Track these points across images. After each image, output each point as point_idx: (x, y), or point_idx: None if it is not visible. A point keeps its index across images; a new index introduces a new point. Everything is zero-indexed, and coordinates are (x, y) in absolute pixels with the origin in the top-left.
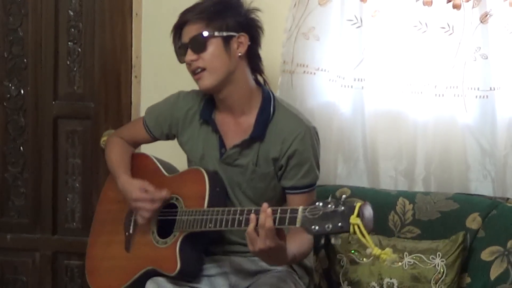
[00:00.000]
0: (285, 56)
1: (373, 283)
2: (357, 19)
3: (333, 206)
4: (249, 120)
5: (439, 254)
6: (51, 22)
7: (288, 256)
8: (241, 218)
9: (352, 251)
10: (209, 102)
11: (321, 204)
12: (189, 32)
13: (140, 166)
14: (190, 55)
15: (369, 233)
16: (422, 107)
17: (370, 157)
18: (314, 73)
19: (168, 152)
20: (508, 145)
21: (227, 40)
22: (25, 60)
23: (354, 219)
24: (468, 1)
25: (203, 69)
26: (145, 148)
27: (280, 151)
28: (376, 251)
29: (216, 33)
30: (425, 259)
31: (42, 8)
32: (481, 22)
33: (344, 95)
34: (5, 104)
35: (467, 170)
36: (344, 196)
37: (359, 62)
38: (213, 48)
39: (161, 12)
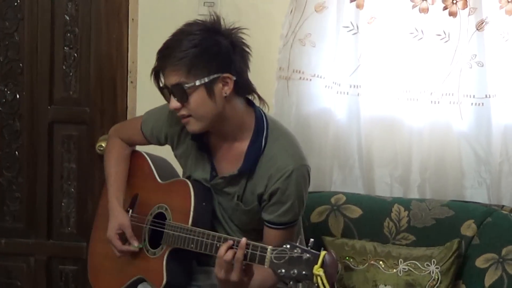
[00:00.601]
0: (281, 62)
1: None
2: (353, 25)
3: (299, 252)
4: (241, 147)
5: (434, 261)
6: (47, 27)
7: None
8: (218, 245)
9: (347, 258)
10: None
11: (288, 247)
12: (169, 78)
13: (137, 167)
14: (174, 103)
15: (332, 284)
16: (418, 114)
17: (366, 163)
18: (310, 80)
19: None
20: (503, 152)
21: (210, 85)
22: (20, 65)
23: (317, 270)
24: (464, 9)
25: (189, 115)
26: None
27: (265, 186)
28: None
29: (197, 83)
30: (419, 266)
31: (38, 12)
32: (477, 29)
33: (340, 101)
34: (0, 108)
35: (462, 177)
36: (312, 240)
37: (355, 69)
38: (196, 97)
39: (157, 18)
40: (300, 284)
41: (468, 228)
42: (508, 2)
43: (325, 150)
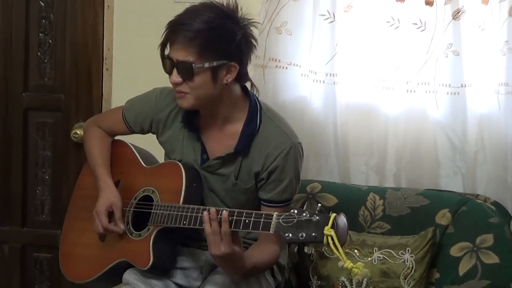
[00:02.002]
0: (257, 51)
1: (343, 278)
2: (330, 14)
3: (308, 215)
4: (234, 128)
5: (408, 250)
6: (21, 13)
7: (247, 266)
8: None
9: (322, 246)
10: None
11: (296, 212)
12: (177, 53)
13: (119, 155)
14: (175, 77)
15: (342, 245)
16: (394, 103)
17: (341, 152)
18: (286, 68)
19: (147, 141)
20: (478, 142)
21: (216, 70)
22: None
23: (328, 230)
24: None
25: (187, 92)
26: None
27: (262, 165)
28: (348, 264)
29: (206, 65)
30: (394, 254)
31: None
32: (453, 18)
33: (316, 90)
34: None
35: (437, 166)
36: (319, 205)
37: (331, 57)
38: (200, 79)
39: (133, 5)
40: (306, 248)
41: (443, 217)
42: None
43: (301, 139)
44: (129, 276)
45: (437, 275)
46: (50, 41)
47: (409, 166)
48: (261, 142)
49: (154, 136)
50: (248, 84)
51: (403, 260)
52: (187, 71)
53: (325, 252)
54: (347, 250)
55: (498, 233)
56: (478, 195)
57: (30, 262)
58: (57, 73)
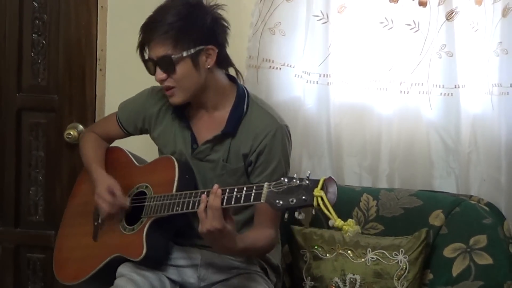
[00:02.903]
0: (251, 51)
1: (336, 279)
2: (323, 14)
3: (298, 181)
4: (222, 115)
5: (402, 251)
6: (15, 14)
7: (238, 246)
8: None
9: (316, 247)
10: None
11: (286, 180)
12: (155, 51)
13: (113, 159)
14: (159, 74)
15: (332, 206)
16: (387, 104)
17: (335, 153)
18: (280, 68)
19: (140, 147)
20: (472, 142)
21: (195, 57)
22: None
23: (317, 192)
24: None
25: (174, 87)
26: (118, 142)
27: (250, 147)
28: (339, 222)
29: (184, 54)
30: (388, 255)
31: None
32: (447, 19)
33: (309, 90)
34: None
35: (431, 167)
36: (309, 172)
37: (325, 58)
38: (183, 69)
39: (126, 5)
40: (296, 213)
41: (436, 218)
42: None
43: (294, 139)
44: (123, 268)
45: (431, 276)
46: (44, 41)
47: (402, 167)
48: (248, 124)
49: (149, 137)
50: (233, 73)
51: (396, 261)
52: (168, 65)
53: (318, 254)
54: (341, 251)
55: (491, 234)
56: (471, 196)
57: (24, 263)
58: (50, 74)
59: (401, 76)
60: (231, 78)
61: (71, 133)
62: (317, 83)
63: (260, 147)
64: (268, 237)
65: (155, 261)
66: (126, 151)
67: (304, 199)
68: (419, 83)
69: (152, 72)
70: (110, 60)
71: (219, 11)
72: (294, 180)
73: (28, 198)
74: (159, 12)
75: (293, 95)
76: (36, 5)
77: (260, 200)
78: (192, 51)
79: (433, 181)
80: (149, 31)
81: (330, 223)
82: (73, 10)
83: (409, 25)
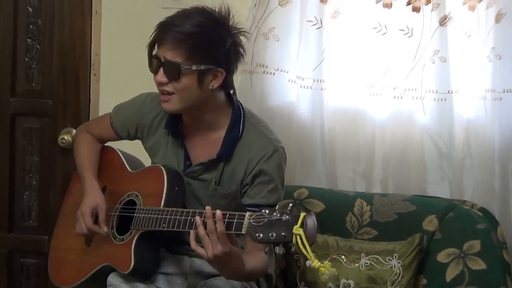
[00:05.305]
0: (245, 56)
1: (330, 284)
2: (317, 20)
3: (278, 215)
4: (217, 135)
5: (395, 256)
6: (9, 19)
7: (246, 268)
8: (193, 220)
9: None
10: (175, 115)
11: (267, 212)
12: (166, 53)
13: (107, 161)
14: (161, 77)
15: (311, 244)
16: (381, 109)
17: (329, 158)
18: (274, 74)
19: (136, 147)
20: (465, 148)
21: (202, 74)
22: None
23: (296, 229)
24: (427, 4)
25: (172, 93)
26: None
27: (245, 170)
28: (316, 263)
29: (193, 67)
30: (381, 260)
31: (1, 4)
32: (440, 25)
33: (303, 95)
34: None
35: (424, 172)
36: (290, 205)
37: (318, 63)
38: (187, 80)
39: (120, 11)
40: (277, 248)
41: (430, 223)
42: None
43: (288, 144)
44: (112, 278)
45: (424, 281)
46: (38, 46)
47: (396, 172)
48: (243, 147)
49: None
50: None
51: (390, 266)
52: (174, 72)
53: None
54: (334, 256)
55: (485, 239)
56: (465, 201)
57: (17, 268)
58: (44, 79)
59: (395, 81)
60: (227, 95)
61: (65, 138)
62: (311, 88)
63: (255, 171)
64: (264, 259)
65: (143, 273)
66: (119, 153)
67: (283, 235)
68: (412, 88)
69: (154, 70)
70: (104, 65)
71: (241, 38)
72: (275, 214)
73: (21, 203)
74: (182, 17)
75: (287, 100)
76: (30, 10)
77: (241, 231)
78: (202, 67)
79: (427, 186)
80: (166, 33)
81: (307, 263)
82: (68, 15)
83: (403, 30)
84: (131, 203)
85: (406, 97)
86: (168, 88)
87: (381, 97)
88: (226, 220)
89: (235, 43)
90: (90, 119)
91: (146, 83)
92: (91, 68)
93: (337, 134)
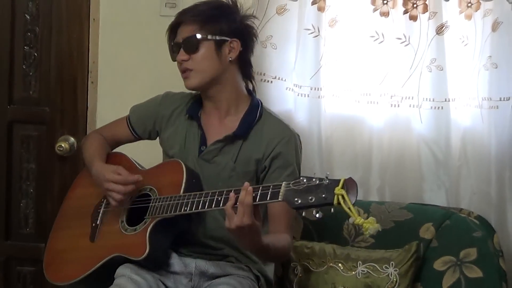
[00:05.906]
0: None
1: None
2: (314, 28)
3: (317, 181)
4: (235, 120)
5: (392, 264)
6: (7, 26)
7: (263, 242)
8: (220, 199)
9: (306, 260)
10: (197, 102)
11: (305, 179)
12: (183, 33)
13: (115, 163)
14: (182, 55)
15: (353, 204)
16: (378, 117)
17: (326, 165)
18: (271, 82)
19: (145, 153)
20: (462, 156)
21: (219, 44)
22: None
23: (338, 190)
24: (424, 13)
25: (191, 70)
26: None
27: (264, 152)
28: (359, 220)
29: (209, 36)
30: (378, 268)
31: None
32: (437, 33)
33: (301, 103)
34: None
35: (421, 180)
36: (328, 173)
37: (316, 71)
38: (205, 50)
39: (118, 18)
40: (315, 211)
41: (427, 231)
42: (468, 7)
43: None
44: (123, 269)
45: None
46: (35, 54)
47: (393, 180)
48: (261, 129)
49: (151, 143)
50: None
51: (387, 274)
52: (192, 45)
53: (309, 267)
54: (331, 264)
55: (481, 247)
56: (461, 209)
57: (14, 276)
58: (42, 86)
59: (392, 90)
60: (248, 91)
61: (63, 145)
62: (308, 96)
63: (274, 153)
64: (287, 239)
65: (155, 262)
66: (129, 157)
67: (324, 197)
68: (409, 97)
69: (174, 57)
70: (102, 72)
71: (251, 19)
72: (314, 180)
73: (18, 211)
74: (194, 5)
75: (285, 108)
76: (28, 17)
77: (277, 198)
78: (217, 37)
79: (424, 194)
80: (181, 15)
81: (351, 220)
82: (65, 22)
83: (400, 39)
84: (143, 196)
85: (403, 105)
86: (188, 64)
87: (378, 105)
88: (259, 192)
89: (245, 22)
90: (87, 127)
91: (143, 90)
92: (89, 76)
93: (334, 142)
